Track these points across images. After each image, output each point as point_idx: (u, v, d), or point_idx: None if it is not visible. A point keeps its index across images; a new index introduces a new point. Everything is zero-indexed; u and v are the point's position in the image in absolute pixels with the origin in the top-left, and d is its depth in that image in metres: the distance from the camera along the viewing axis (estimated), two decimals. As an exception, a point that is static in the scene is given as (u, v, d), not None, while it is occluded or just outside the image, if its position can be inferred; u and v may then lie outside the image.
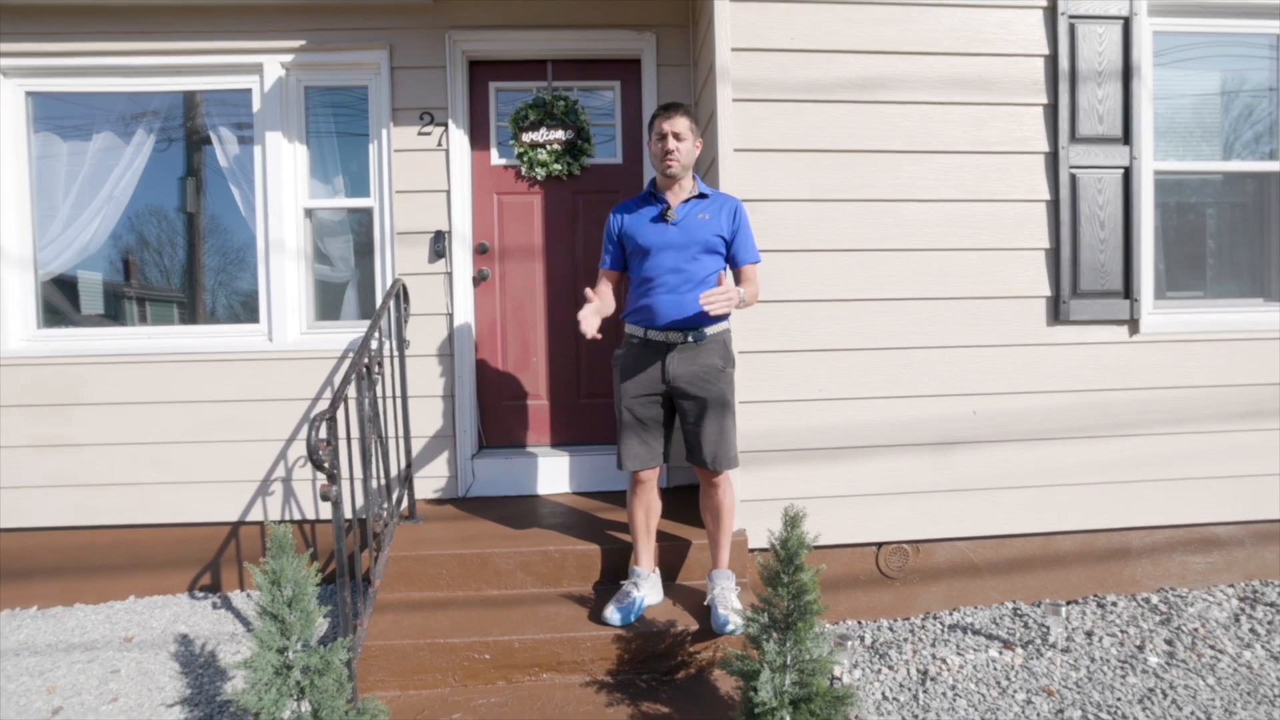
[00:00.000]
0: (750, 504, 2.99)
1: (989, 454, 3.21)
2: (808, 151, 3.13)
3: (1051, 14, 3.20)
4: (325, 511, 3.47)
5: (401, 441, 3.29)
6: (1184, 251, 3.61)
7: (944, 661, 2.79)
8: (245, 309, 3.72)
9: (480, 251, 3.71)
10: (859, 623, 3.17)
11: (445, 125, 3.55)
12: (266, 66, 3.52)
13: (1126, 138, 3.24)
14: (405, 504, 3.26)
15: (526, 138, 3.65)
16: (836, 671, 2.72)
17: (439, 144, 3.55)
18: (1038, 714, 2.46)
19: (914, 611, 3.24)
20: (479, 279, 3.70)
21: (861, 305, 3.16)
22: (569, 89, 3.73)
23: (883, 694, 2.61)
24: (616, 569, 2.87)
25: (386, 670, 2.49)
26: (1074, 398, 3.23)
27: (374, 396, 2.76)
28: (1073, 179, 3.21)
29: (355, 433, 2.69)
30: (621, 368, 2.66)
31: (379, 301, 3.52)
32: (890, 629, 3.10)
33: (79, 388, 3.43)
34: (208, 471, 3.46)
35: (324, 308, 3.74)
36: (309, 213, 3.66)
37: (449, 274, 3.57)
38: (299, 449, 3.48)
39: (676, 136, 2.57)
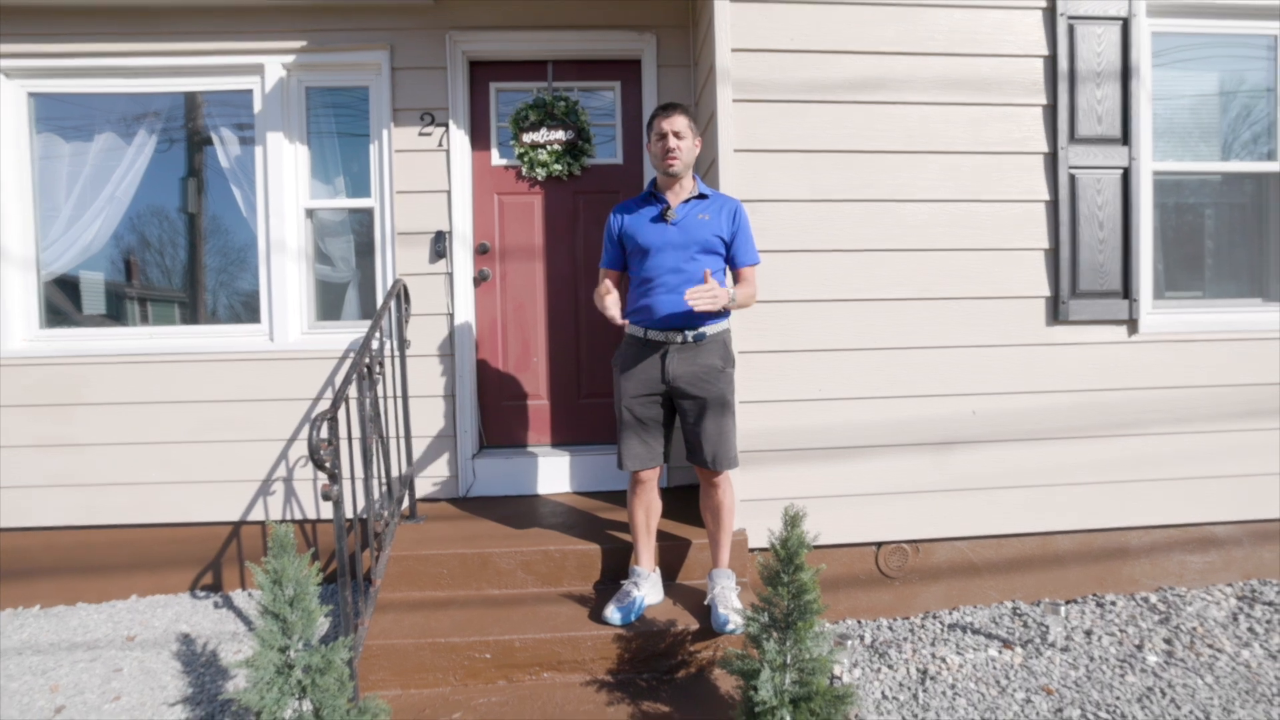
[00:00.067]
0: (750, 503, 3.00)
1: (988, 454, 3.22)
2: (808, 152, 3.14)
3: (1050, 15, 3.20)
4: (326, 511, 3.48)
5: (402, 441, 3.30)
6: (1183, 252, 3.62)
7: (944, 661, 2.80)
8: (246, 309, 3.73)
9: (481, 252, 3.71)
10: (859, 622, 3.18)
11: (446, 126, 3.56)
12: (267, 67, 3.53)
13: (1125, 138, 3.25)
14: (406, 503, 3.27)
15: (527, 138, 3.65)
16: (836, 671, 2.73)
17: (440, 144, 3.56)
18: (1037, 713, 2.47)
19: (913, 611, 3.25)
20: (480, 279, 3.71)
21: (861, 305, 3.16)
22: (569, 89, 3.74)
23: (882, 693, 2.61)
24: (617, 568, 2.88)
25: (387, 669, 2.50)
26: (1073, 398, 3.24)
27: (375, 396, 2.77)
28: (1072, 179, 3.22)
29: (356, 432, 2.70)
30: (621, 367, 2.67)
31: (380, 302, 3.53)
32: (890, 628, 3.11)
33: (81, 388, 3.44)
34: (209, 471, 3.46)
35: (325, 308, 3.75)
36: (310, 213, 3.67)
37: (450, 274, 3.58)
38: (300, 449, 3.48)
39: (677, 135, 2.57)
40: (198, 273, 3.79)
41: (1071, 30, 3.20)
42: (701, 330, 2.58)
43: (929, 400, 3.19)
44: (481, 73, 3.71)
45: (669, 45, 3.64)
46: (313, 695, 2.02)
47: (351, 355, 3.48)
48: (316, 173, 3.69)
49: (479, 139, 3.72)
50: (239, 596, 3.44)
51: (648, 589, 2.69)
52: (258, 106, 3.57)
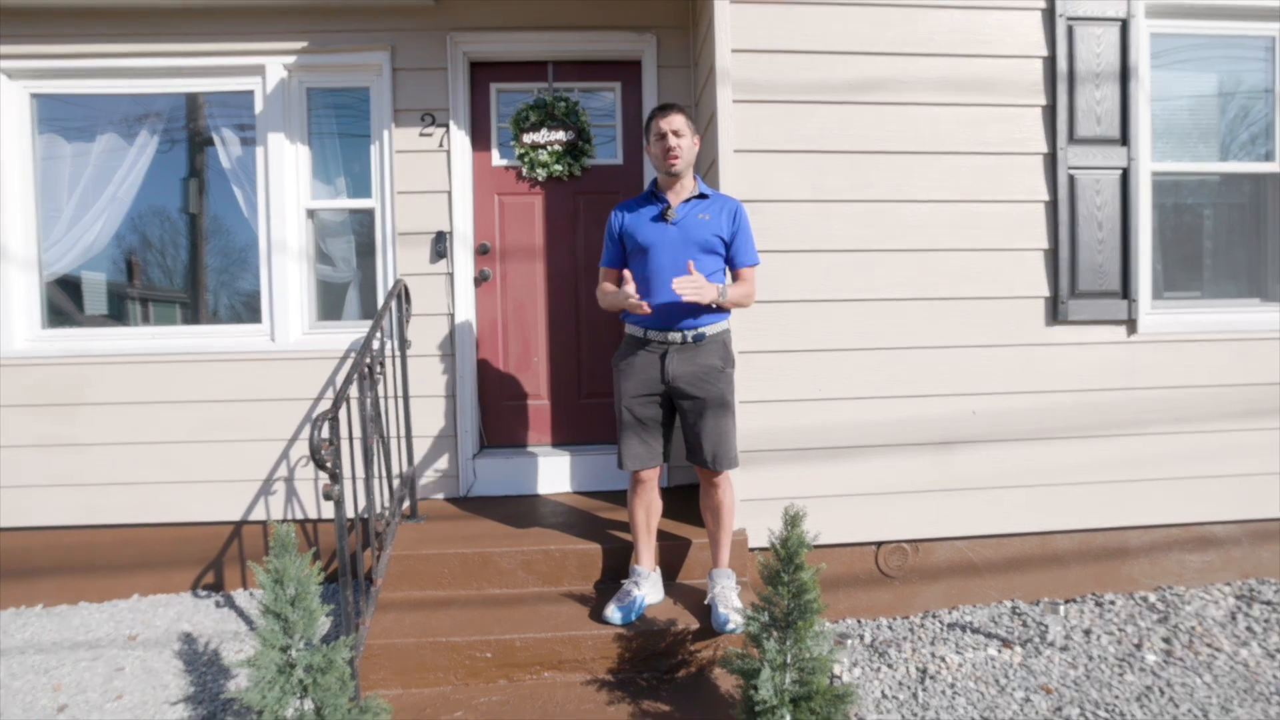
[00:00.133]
0: (750, 503, 3.00)
1: (988, 453, 3.22)
2: (808, 152, 3.15)
3: (1050, 16, 3.21)
4: (327, 511, 3.48)
5: (403, 441, 3.31)
6: (1181, 252, 3.62)
7: (943, 660, 2.81)
8: (247, 309, 3.74)
9: (481, 252, 3.72)
10: (858, 621, 3.18)
11: (446, 126, 3.57)
12: (269, 68, 3.53)
13: (1124, 139, 3.25)
14: (407, 503, 3.28)
15: (527, 139, 3.66)
16: (836, 670, 2.73)
17: (440, 145, 3.57)
18: (1036, 712, 2.47)
19: (913, 610, 3.25)
20: (480, 279, 3.72)
21: (862, 305, 3.17)
22: (570, 90, 3.75)
23: (882, 692, 2.62)
24: (617, 568, 2.89)
25: (389, 669, 2.50)
26: (1072, 397, 3.25)
27: (376, 396, 2.78)
28: (1071, 180, 3.22)
29: (357, 432, 2.71)
30: (621, 368, 2.67)
31: (381, 302, 3.54)
32: (890, 627, 3.12)
33: (83, 388, 3.45)
34: (210, 471, 3.47)
35: (326, 308, 3.76)
36: (311, 213, 3.68)
37: (450, 274, 3.59)
38: (301, 448, 3.49)
39: (676, 134, 2.58)
40: (199, 273, 3.80)
41: (1070, 31, 3.21)
42: (701, 330, 2.59)
43: (929, 400, 3.20)
44: (482, 73, 3.72)
45: (669, 46, 3.65)
46: (314, 694, 2.03)
47: (352, 355, 3.49)
48: (317, 173, 3.70)
49: (479, 139, 3.72)
50: (240, 596, 3.45)
51: (648, 588, 2.70)
52: (259, 107, 3.58)
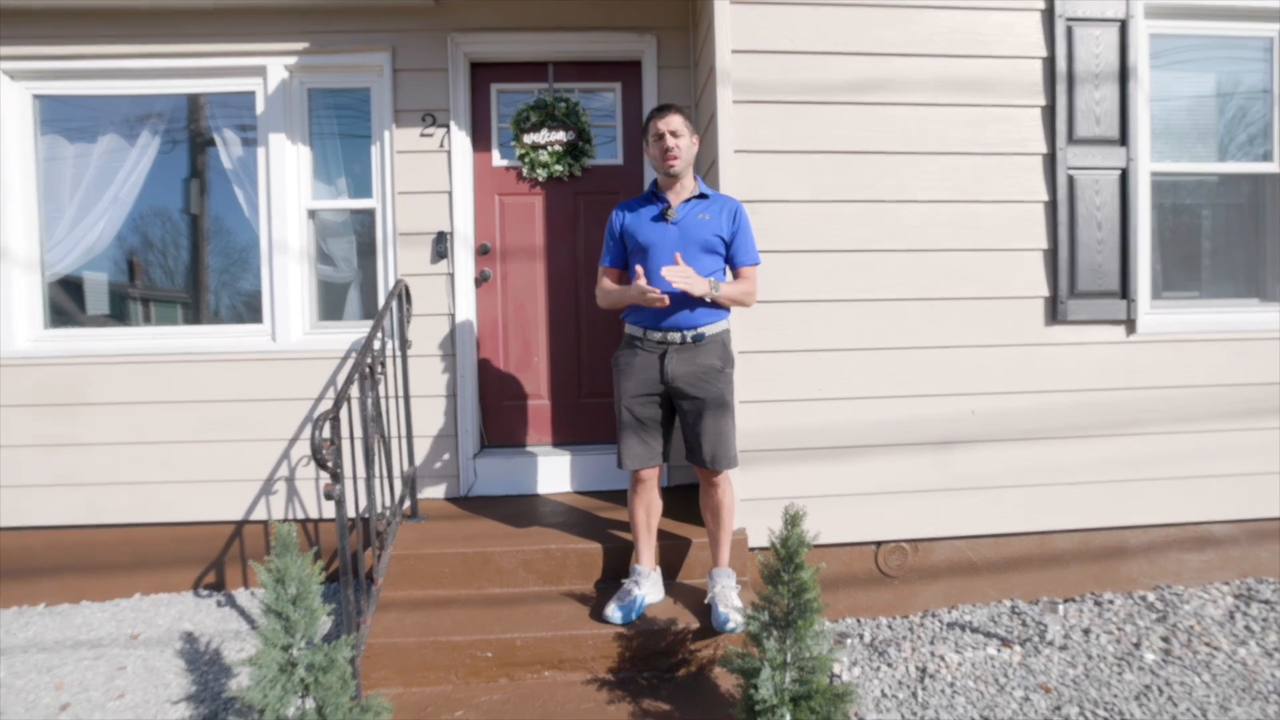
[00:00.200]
0: (750, 503, 3.01)
1: (987, 453, 3.23)
2: (808, 153, 3.15)
3: (1049, 16, 3.22)
4: (328, 510, 3.49)
5: (404, 441, 3.31)
6: (1180, 252, 3.63)
7: (943, 659, 2.81)
8: (249, 309, 3.75)
9: (482, 252, 3.73)
10: (858, 621, 3.19)
11: (447, 127, 3.58)
12: (270, 69, 3.54)
13: (1123, 139, 3.26)
14: (408, 503, 3.29)
15: (528, 139, 3.67)
16: (836, 669, 2.75)
17: (441, 145, 3.58)
18: (1035, 711, 2.48)
19: (913, 609, 3.26)
20: (481, 279, 3.73)
21: (861, 305, 3.18)
22: (570, 91, 3.75)
23: (882, 691, 2.63)
24: (618, 567, 2.89)
25: (390, 668, 2.51)
26: (1071, 397, 3.25)
27: (377, 396, 2.78)
28: (1070, 180, 3.23)
29: (358, 432, 2.72)
30: (621, 367, 2.68)
31: (381, 302, 3.55)
32: (889, 627, 3.13)
33: (85, 388, 3.46)
34: (212, 471, 3.48)
35: (327, 308, 3.77)
36: (312, 214, 3.69)
37: (451, 274, 3.60)
38: (302, 448, 3.50)
39: (674, 134, 2.59)
40: (200, 273, 3.81)
41: (1070, 32, 3.21)
42: (700, 330, 2.60)
43: (928, 400, 3.21)
44: (483, 74, 3.73)
45: (669, 47, 3.66)
46: (316, 693, 2.04)
47: (353, 355, 3.50)
48: (318, 174, 3.71)
49: (480, 140, 3.73)
50: (242, 595, 3.46)
51: (648, 588, 2.70)
52: (260, 108, 3.59)
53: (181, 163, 3.76)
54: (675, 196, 2.67)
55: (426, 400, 3.57)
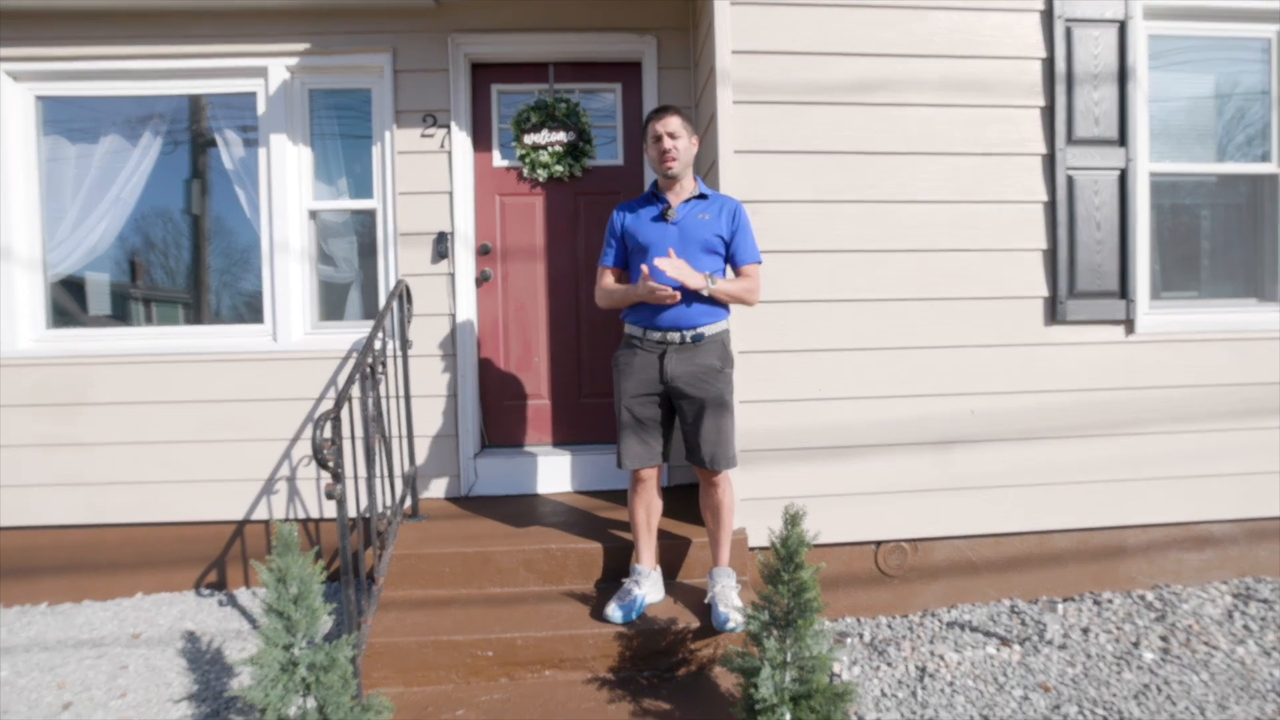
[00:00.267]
0: (750, 502, 3.02)
1: (987, 453, 3.24)
2: (808, 153, 3.16)
3: (1048, 17, 3.22)
4: (329, 510, 3.50)
5: (405, 441, 3.32)
6: (1179, 252, 3.64)
7: (942, 658, 2.82)
8: (250, 309, 3.76)
9: (483, 252, 3.74)
10: (858, 620, 3.20)
11: (448, 127, 3.59)
12: (271, 70, 3.55)
13: (1122, 140, 3.27)
14: (409, 503, 3.30)
15: (528, 139, 3.68)
16: (836, 668, 2.76)
17: (442, 146, 3.59)
18: (1035, 710, 2.49)
19: (912, 609, 3.27)
20: (481, 280, 3.73)
21: (861, 305, 3.18)
22: (570, 91, 3.76)
23: (881, 690, 2.64)
24: (618, 567, 2.90)
25: (391, 667, 2.52)
26: (1071, 397, 3.26)
27: (377, 396, 2.79)
28: (1069, 180, 3.24)
29: (359, 432, 2.72)
30: (621, 367, 2.69)
31: (382, 302, 3.56)
32: (889, 626, 3.13)
33: (87, 387, 3.47)
34: (213, 470, 3.49)
35: (328, 308, 3.78)
36: (313, 214, 3.70)
37: (452, 275, 3.61)
38: (303, 448, 3.51)
39: (671, 136, 2.59)
40: (202, 273, 3.82)
41: (1069, 33, 3.22)
42: (700, 330, 2.60)
43: (928, 400, 3.21)
44: (483, 75, 3.74)
45: (669, 47, 3.66)
46: (317, 692, 2.05)
47: (354, 355, 3.50)
48: (319, 174, 3.72)
49: (481, 140, 3.74)
50: (243, 595, 3.47)
51: (649, 587, 2.71)
52: (261, 109, 3.59)
53: (183, 163, 3.77)
54: (675, 197, 2.67)
55: (427, 400, 3.57)
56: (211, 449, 3.49)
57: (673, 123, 2.60)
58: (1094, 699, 2.53)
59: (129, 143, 3.69)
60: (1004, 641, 2.93)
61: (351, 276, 3.82)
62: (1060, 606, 3.16)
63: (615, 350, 2.76)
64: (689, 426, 2.63)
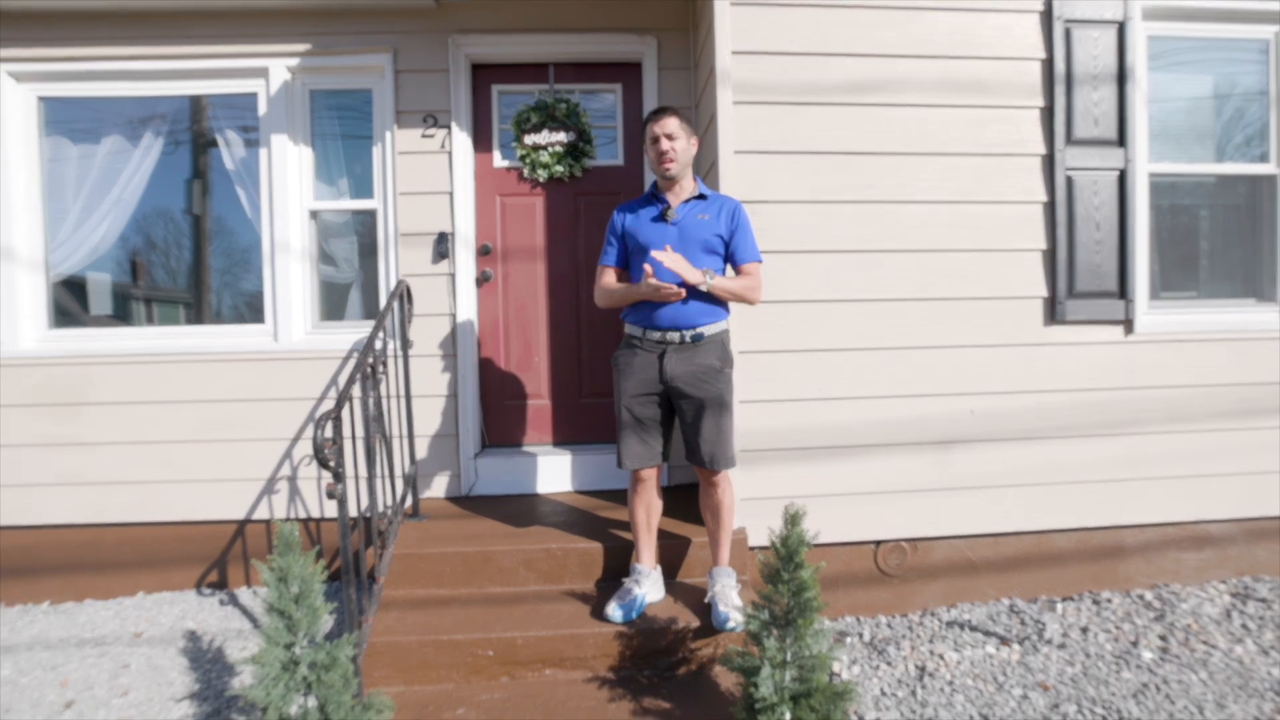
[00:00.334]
0: (750, 502, 3.03)
1: (986, 453, 3.24)
2: (808, 153, 3.17)
3: (1047, 18, 3.23)
4: (330, 510, 3.51)
5: (405, 440, 3.33)
6: (1178, 252, 3.65)
7: (941, 657, 2.83)
8: (251, 309, 3.77)
9: (483, 253, 3.74)
10: (858, 619, 3.20)
11: (448, 128, 3.59)
12: (272, 70, 3.56)
13: (1121, 140, 3.27)
14: (409, 502, 3.30)
15: (529, 140, 3.68)
16: (836, 668, 2.76)
17: (442, 146, 3.59)
18: (1034, 709, 2.49)
19: (912, 608, 3.27)
20: (482, 280, 3.74)
21: (861, 305, 3.19)
22: (570, 92, 3.77)
23: (881, 690, 2.64)
24: (618, 566, 2.91)
25: (391, 666, 2.53)
26: (1070, 397, 3.27)
27: (378, 396, 2.80)
28: (1069, 181, 3.24)
29: (360, 432, 2.73)
30: (620, 367, 2.69)
31: (383, 302, 3.56)
32: (889, 625, 3.14)
33: (88, 387, 3.48)
34: (214, 470, 3.50)
35: (329, 308, 3.79)
36: (314, 214, 3.70)
37: (452, 275, 3.61)
38: (304, 448, 3.52)
39: (669, 137, 2.60)
40: (203, 274, 3.83)
41: (1068, 34, 3.22)
42: (699, 330, 2.61)
43: (928, 400, 3.22)
44: (483, 75, 3.74)
45: (669, 48, 3.67)
46: (318, 691, 2.05)
47: (355, 355, 3.51)
48: (320, 174, 3.73)
49: (481, 141, 3.75)
50: (244, 594, 3.48)
51: (649, 587, 2.72)
52: (262, 109, 3.60)
53: (184, 164, 3.78)
54: (675, 197, 2.68)
55: (428, 400, 3.58)
56: (213, 449, 3.50)
57: (670, 124, 2.61)
58: (1093, 698, 2.54)
59: (130, 143, 3.69)
60: (1003, 641, 2.94)
61: (352, 276, 3.83)
62: (1059, 606, 3.17)
63: (615, 350, 2.77)
64: (688, 426, 2.64)
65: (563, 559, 2.92)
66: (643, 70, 3.72)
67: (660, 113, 2.64)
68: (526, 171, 3.73)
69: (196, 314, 3.83)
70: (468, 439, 3.61)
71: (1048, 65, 3.24)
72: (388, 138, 3.60)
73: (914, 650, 2.90)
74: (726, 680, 2.51)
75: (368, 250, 3.77)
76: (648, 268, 2.54)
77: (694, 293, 2.57)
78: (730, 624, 2.52)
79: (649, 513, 2.74)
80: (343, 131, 3.73)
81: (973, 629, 3.05)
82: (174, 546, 3.51)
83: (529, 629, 2.58)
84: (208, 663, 2.91)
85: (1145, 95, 3.35)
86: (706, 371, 2.60)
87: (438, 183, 3.59)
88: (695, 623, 2.61)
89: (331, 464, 2.28)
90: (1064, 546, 3.33)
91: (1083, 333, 3.28)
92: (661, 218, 2.65)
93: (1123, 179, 3.27)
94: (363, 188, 3.72)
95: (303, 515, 3.54)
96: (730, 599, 2.62)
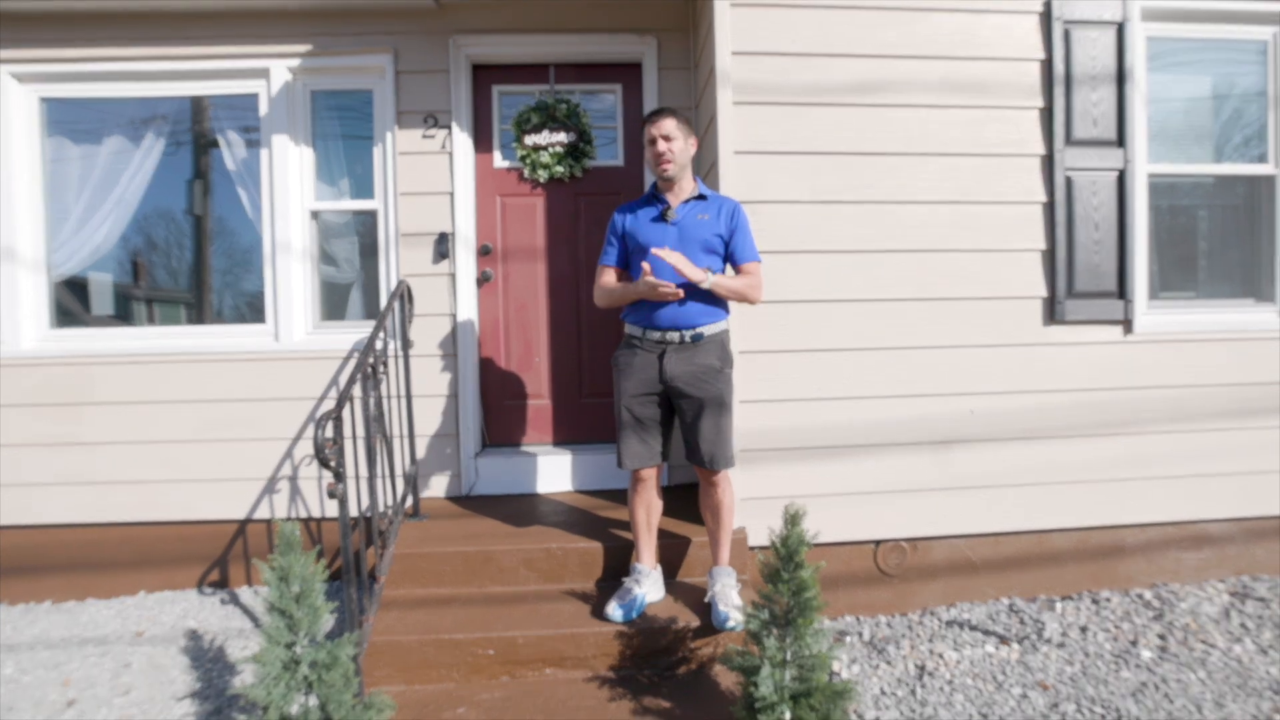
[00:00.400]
0: (750, 502, 3.03)
1: (986, 453, 3.25)
2: (808, 154, 3.17)
3: (1046, 19, 3.23)
4: (331, 509, 3.51)
5: (406, 440, 3.33)
6: (1176, 253, 3.65)
7: (941, 657, 2.83)
8: (252, 309, 3.77)
9: (483, 253, 3.75)
10: (857, 619, 3.21)
11: (449, 128, 3.60)
12: (273, 71, 3.56)
13: (1120, 141, 3.28)
14: (410, 502, 3.31)
15: (529, 140, 3.69)
16: (835, 667, 2.77)
17: (443, 147, 3.60)
18: (1033, 708, 2.50)
19: (911, 608, 3.28)
20: (482, 280, 3.75)
21: (861, 305, 3.20)
22: (571, 92, 3.77)
23: (881, 689, 2.65)
24: (618, 566, 2.91)
25: (392, 665, 2.53)
26: (1069, 397, 3.27)
27: (379, 396, 2.81)
28: (1068, 181, 3.25)
29: (361, 431, 2.74)
30: (620, 367, 2.70)
31: (384, 302, 3.57)
32: (888, 625, 3.14)
33: (89, 387, 3.48)
34: (215, 470, 3.50)
35: (329, 308, 3.79)
36: (315, 215, 3.71)
37: (453, 275, 3.62)
38: (305, 448, 3.52)
39: (666, 138, 2.61)
40: (204, 274, 3.84)
41: (1067, 34, 3.23)
42: (699, 330, 2.61)
43: (927, 400, 3.22)
44: (484, 76, 3.75)
45: (670, 48, 3.68)
46: (319, 690, 2.06)
47: (356, 355, 3.51)
48: (321, 175, 3.74)
49: (481, 141, 3.75)
50: (245, 593, 3.48)
51: (649, 586, 2.72)
52: (263, 110, 3.61)
53: (185, 164, 3.79)
54: (674, 198, 2.69)
55: (428, 400, 3.59)
56: (214, 448, 3.51)
57: (667, 125, 2.61)
58: (1092, 697, 2.55)
59: (132, 144, 3.70)
60: (1003, 640, 2.95)
61: (353, 277, 3.84)
62: (1059, 605, 3.18)
63: (615, 350, 2.78)
64: (688, 426, 2.64)
65: (563, 558, 2.92)
66: (643, 71, 3.72)
67: (657, 114, 2.65)
68: (527, 172, 3.73)
69: (198, 314, 3.84)
70: (468, 439, 3.62)
71: (1047, 66, 3.24)
72: (388, 138, 3.60)
73: (913, 649, 2.91)
74: (726, 679, 2.52)
75: (368, 250, 3.77)
76: (646, 265, 2.54)
77: (694, 293, 2.57)
78: (730, 623, 2.53)
79: (649, 512, 2.74)
80: (343, 132, 3.74)
81: (972, 628, 3.06)
82: (175, 546, 3.52)
83: (529, 628, 2.58)
84: (209, 661, 2.92)
85: (1144, 96, 3.35)
86: (706, 371, 2.61)
87: (438, 183, 3.60)
88: (695, 622, 2.61)
89: (332, 464, 2.28)
90: (1063, 546, 3.33)
91: (1082, 333, 3.29)
92: (661, 218, 2.66)
93: (1122, 179, 3.28)
94: (363, 188, 3.73)
95: (304, 515, 3.55)
96: (730, 598, 2.62)
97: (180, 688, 2.76)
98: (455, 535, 3.07)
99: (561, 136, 3.69)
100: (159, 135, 3.71)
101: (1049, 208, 3.26)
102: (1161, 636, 2.93)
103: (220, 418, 3.51)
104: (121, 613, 3.33)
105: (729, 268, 2.72)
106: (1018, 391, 3.25)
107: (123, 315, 3.88)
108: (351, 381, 2.57)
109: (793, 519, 2.13)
